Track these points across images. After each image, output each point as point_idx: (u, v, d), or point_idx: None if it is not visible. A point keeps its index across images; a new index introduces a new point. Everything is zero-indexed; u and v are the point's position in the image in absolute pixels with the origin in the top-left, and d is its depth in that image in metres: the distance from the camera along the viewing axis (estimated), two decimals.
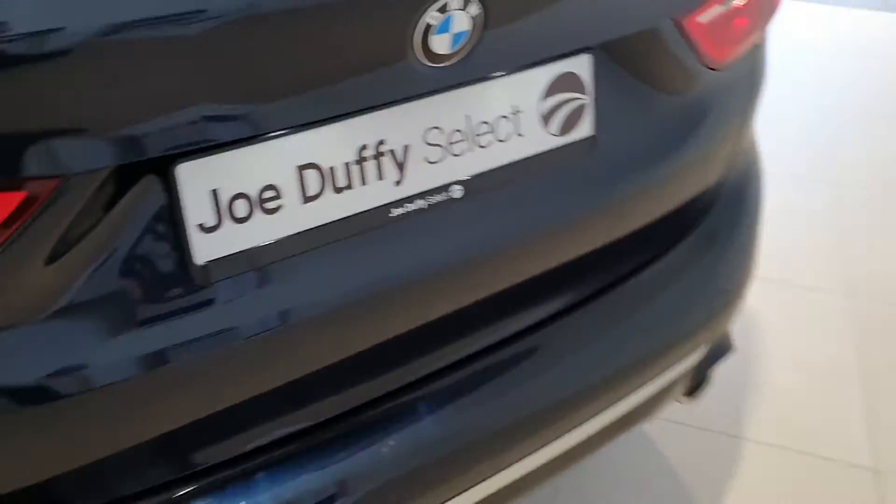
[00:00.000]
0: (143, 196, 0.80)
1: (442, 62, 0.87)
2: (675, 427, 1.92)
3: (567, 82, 1.03)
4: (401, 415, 1.03)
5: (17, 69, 0.67)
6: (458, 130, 0.97)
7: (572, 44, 1.01)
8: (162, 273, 0.83)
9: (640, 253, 1.23)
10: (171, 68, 0.74)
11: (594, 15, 1.00)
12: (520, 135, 1.02)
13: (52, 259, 0.76)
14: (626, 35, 1.05)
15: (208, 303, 0.86)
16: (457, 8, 0.84)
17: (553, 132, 1.05)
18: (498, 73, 0.97)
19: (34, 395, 0.79)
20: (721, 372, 1.58)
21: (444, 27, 0.84)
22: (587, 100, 1.06)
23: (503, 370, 1.09)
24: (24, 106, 0.69)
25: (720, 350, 1.42)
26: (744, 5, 1.18)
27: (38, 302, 0.77)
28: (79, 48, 0.68)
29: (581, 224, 1.11)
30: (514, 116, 1.01)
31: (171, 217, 0.81)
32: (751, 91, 1.32)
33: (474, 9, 0.85)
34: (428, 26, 0.83)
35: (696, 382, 1.43)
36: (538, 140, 1.04)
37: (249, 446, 0.95)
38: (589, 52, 1.03)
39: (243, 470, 0.93)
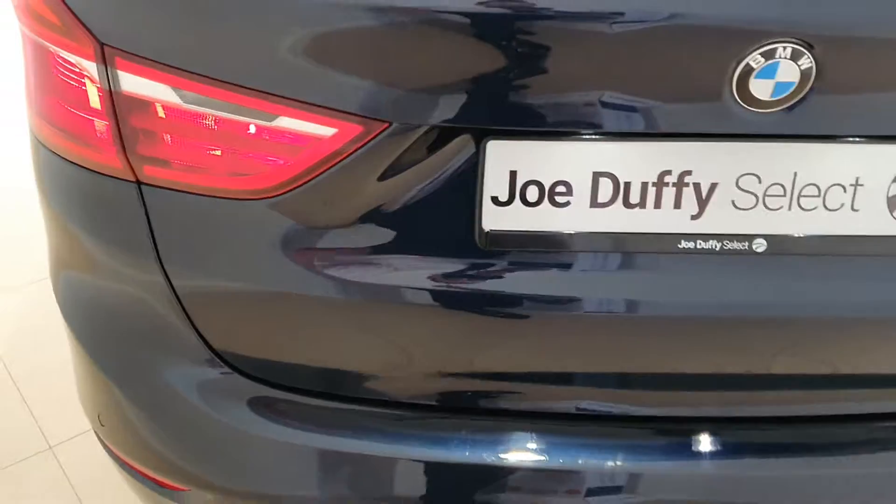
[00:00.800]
0: (455, 156, 0.92)
1: (760, 108, 0.84)
2: None
3: None
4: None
5: (401, 37, 0.84)
6: (779, 184, 0.92)
7: None
8: (453, 223, 0.96)
9: None
10: (502, 59, 0.85)
11: None
12: (854, 210, 0.93)
13: (383, 177, 0.93)
14: None
15: (483, 265, 0.97)
16: (784, 57, 0.81)
17: None
18: (841, 138, 0.90)
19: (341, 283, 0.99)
20: None
21: (766, 73, 0.82)
22: None
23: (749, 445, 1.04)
24: (379, 65, 0.86)
25: None
26: None
27: (370, 206, 0.95)
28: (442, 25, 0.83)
29: None
30: (853, 188, 0.92)
31: (472, 182, 0.93)
32: None
33: (805, 62, 0.81)
34: (749, 68, 0.82)
35: None
36: (877, 222, 0.93)
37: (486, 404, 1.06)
38: None
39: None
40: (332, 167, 0.91)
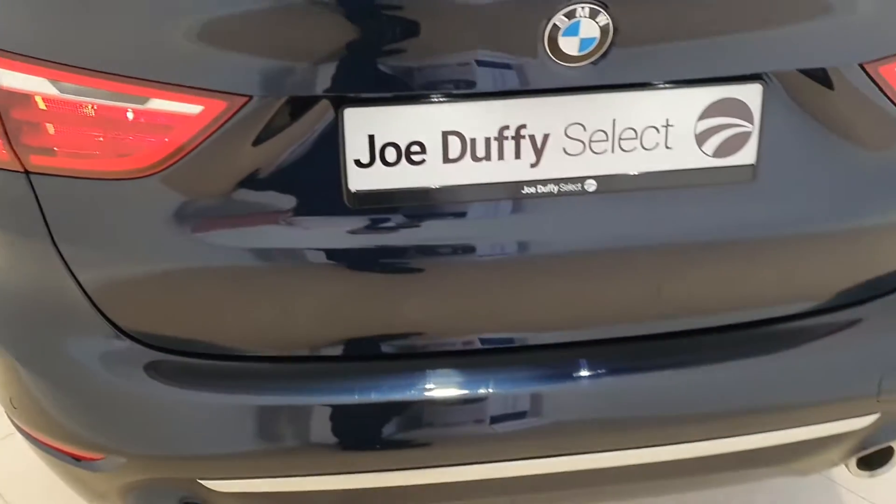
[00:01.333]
0: (317, 123, 1.02)
1: (572, 63, 0.98)
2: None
3: (731, 107, 1.06)
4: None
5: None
6: (602, 131, 1.06)
7: (737, 69, 1.03)
8: (325, 185, 1.06)
9: (797, 300, 1.19)
10: (348, 30, 0.96)
11: (762, 43, 1.01)
12: (668, 147, 1.07)
13: (255, 145, 1.02)
14: (804, 71, 1.04)
15: (354, 223, 1.08)
16: (583, 16, 0.94)
17: (707, 152, 1.08)
18: (648, 85, 1.04)
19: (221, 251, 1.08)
20: None
21: (571, 31, 0.95)
22: (751, 129, 1.07)
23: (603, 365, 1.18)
24: (233, 44, 0.96)
25: None
26: None
27: (247, 175, 1.05)
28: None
29: (721, 249, 1.13)
30: (665, 129, 1.06)
31: (336, 146, 1.04)
32: None
33: (602, 19, 0.95)
34: (556, 28, 0.95)
35: (874, 456, 1.32)
36: (687, 156, 1.08)
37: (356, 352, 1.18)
38: (759, 82, 1.04)
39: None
40: (204, 141, 1.01)
